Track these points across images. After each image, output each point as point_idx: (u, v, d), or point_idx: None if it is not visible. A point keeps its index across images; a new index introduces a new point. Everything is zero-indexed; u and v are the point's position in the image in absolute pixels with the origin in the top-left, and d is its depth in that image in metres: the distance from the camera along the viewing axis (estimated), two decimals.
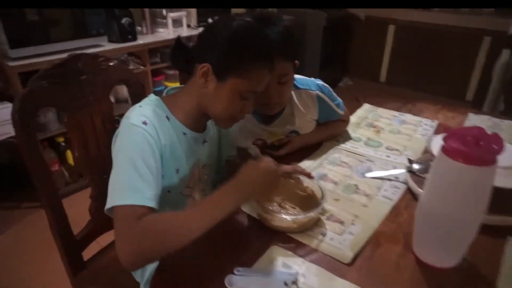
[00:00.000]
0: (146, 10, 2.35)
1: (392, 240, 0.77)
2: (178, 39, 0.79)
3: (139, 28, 2.37)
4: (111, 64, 1.02)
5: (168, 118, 0.80)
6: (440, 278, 0.68)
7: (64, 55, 0.94)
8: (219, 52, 0.74)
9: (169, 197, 0.85)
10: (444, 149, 0.64)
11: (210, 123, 0.92)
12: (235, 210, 0.73)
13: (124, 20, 2.11)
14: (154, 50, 2.34)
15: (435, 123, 1.32)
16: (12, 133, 1.79)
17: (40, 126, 1.96)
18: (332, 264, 0.71)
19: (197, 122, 0.85)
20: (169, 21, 2.43)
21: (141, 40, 2.25)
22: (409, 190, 0.93)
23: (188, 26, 2.61)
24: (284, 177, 0.88)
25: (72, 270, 1.04)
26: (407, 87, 3.65)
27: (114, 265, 1.04)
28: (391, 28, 3.72)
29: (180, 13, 2.49)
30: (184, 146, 0.83)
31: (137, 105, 0.79)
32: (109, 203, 0.69)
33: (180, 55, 0.79)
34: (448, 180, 0.65)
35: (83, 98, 0.97)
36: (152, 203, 0.69)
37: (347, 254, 0.72)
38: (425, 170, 0.94)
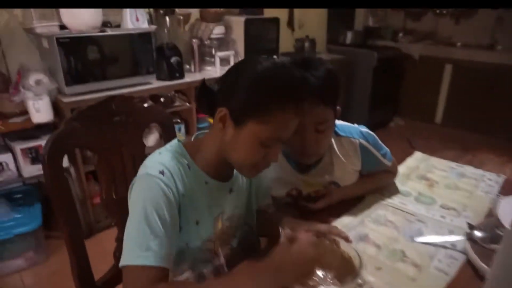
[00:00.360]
0: (196, 50, 2.43)
1: None
2: (203, 82, 0.75)
3: (187, 66, 2.44)
4: (145, 105, 1.02)
5: (189, 166, 0.75)
6: None
7: (115, 92, 0.96)
8: (238, 94, 0.68)
9: (188, 252, 0.79)
10: None
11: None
12: None
13: (173, 59, 2.19)
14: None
15: (501, 179, 1.14)
16: (65, 164, 1.87)
17: (87, 159, 2.03)
18: None
19: (220, 170, 0.78)
20: (217, 60, 2.49)
21: (188, 78, 2.30)
22: (470, 263, 0.78)
23: None
24: (318, 237, 0.78)
25: None
26: (465, 129, 3.38)
27: None
28: (448, 68, 3.53)
29: (228, 52, 2.54)
30: (206, 196, 0.77)
31: (157, 151, 0.75)
32: (121, 261, 0.64)
33: (204, 98, 0.75)
34: None
35: (114, 139, 0.95)
36: (164, 263, 0.63)
37: None
38: (490, 239, 0.79)
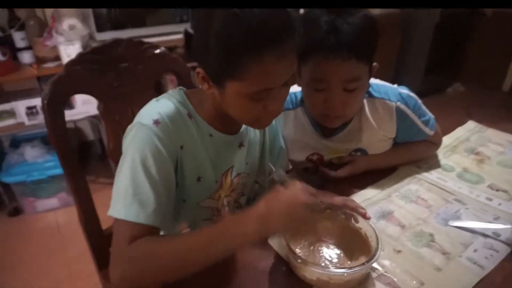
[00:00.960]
0: None
1: None
2: (185, 32, 0.64)
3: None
4: (157, 52, 0.93)
5: (190, 115, 0.67)
6: None
7: (147, 40, 0.88)
8: (206, 56, 0.57)
9: (187, 209, 0.73)
10: None
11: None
12: (245, 246, 0.57)
13: None
14: None
15: None
16: (91, 112, 1.89)
17: None
18: None
19: (226, 123, 0.69)
20: None
21: None
22: None
23: None
24: (333, 211, 0.68)
25: (99, 264, 1.00)
26: None
27: None
28: None
29: None
30: (211, 150, 0.69)
31: (154, 99, 0.67)
32: (110, 212, 0.60)
33: (188, 47, 0.64)
34: None
35: (121, 87, 0.89)
36: (150, 220, 0.57)
37: None
38: None
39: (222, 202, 0.77)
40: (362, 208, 0.67)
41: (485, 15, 3.23)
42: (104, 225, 0.97)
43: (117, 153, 0.91)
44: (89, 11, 1.73)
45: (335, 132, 0.88)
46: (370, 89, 0.85)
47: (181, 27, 2.01)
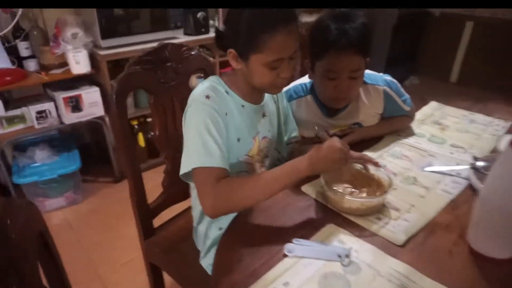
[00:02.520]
0: None
1: (447, 230, 0.79)
2: (216, 29, 0.88)
3: (211, 21, 2.52)
4: (192, 53, 1.15)
5: (227, 92, 0.90)
6: (492, 268, 0.69)
7: (146, 46, 1.08)
8: (234, 36, 0.83)
9: (230, 165, 0.94)
10: None
11: (267, 97, 1.00)
12: (300, 179, 0.80)
13: (199, 15, 2.27)
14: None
15: (508, 124, 1.27)
16: (98, 114, 2.04)
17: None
18: (384, 244, 0.75)
19: (253, 96, 0.93)
20: None
21: (212, 33, 2.38)
22: (471, 187, 0.93)
23: None
24: (352, 163, 0.93)
25: (144, 234, 1.19)
26: (479, 87, 3.41)
27: (178, 234, 1.18)
28: (469, 25, 3.51)
29: None
30: (245, 117, 0.92)
31: (200, 83, 0.90)
32: (187, 167, 0.81)
33: (220, 42, 0.88)
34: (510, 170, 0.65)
35: (166, 83, 1.10)
36: (224, 165, 0.80)
37: (400, 237, 0.76)
38: (490, 168, 0.93)
39: (255, 160, 0.99)
40: (374, 159, 0.93)
41: (434, 15, 3.68)
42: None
43: (162, 140, 1.12)
44: (94, 20, 1.88)
45: (338, 112, 1.15)
46: (364, 78, 1.12)
47: (177, 33, 2.22)
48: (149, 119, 2.35)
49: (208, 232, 1.01)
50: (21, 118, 1.87)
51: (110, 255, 1.74)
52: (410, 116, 1.22)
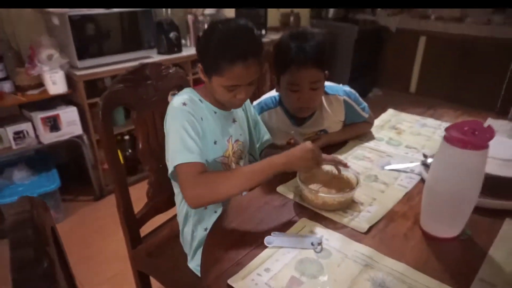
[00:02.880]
0: (191, 25, 2.61)
1: (403, 218, 0.92)
2: (198, 37, 1.00)
3: (183, 41, 2.62)
4: (170, 71, 1.24)
5: (201, 100, 1.02)
6: (440, 245, 0.82)
7: (121, 66, 1.16)
8: (202, 55, 0.96)
9: (208, 165, 1.01)
10: (446, 138, 0.79)
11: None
12: (275, 174, 0.91)
13: (172, 34, 2.38)
14: (195, 61, 2.59)
15: None
16: (76, 133, 2.07)
17: (96, 128, 2.23)
18: (351, 233, 0.86)
19: (221, 104, 1.04)
20: None
21: (185, 52, 2.50)
22: (422, 180, 1.06)
23: None
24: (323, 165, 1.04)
25: (132, 243, 1.25)
26: (437, 97, 3.69)
27: (165, 241, 1.26)
28: (422, 39, 3.81)
29: None
30: (217, 122, 1.03)
31: (176, 95, 1.01)
32: (173, 164, 0.90)
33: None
34: (448, 163, 0.79)
35: (147, 99, 1.18)
36: (203, 160, 0.91)
37: (364, 226, 0.87)
38: None
39: (230, 160, 1.09)
40: (343, 161, 1.05)
41: (391, 31, 3.97)
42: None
43: (146, 153, 1.20)
44: (70, 41, 1.94)
45: (304, 121, 1.27)
46: (326, 89, 1.25)
47: (150, 52, 2.30)
48: (126, 137, 2.40)
49: (194, 234, 1.09)
50: None
51: (96, 270, 1.77)
52: (369, 122, 1.36)
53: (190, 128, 0.93)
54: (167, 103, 1.24)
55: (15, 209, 0.50)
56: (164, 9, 2.48)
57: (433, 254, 0.81)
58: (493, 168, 0.94)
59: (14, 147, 1.91)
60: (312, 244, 0.82)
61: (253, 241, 0.84)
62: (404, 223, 0.90)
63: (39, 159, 2.19)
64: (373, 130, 1.40)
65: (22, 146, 1.94)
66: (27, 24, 2.13)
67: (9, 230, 0.47)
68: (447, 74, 3.68)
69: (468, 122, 0.79)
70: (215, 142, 1.03)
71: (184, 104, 0.96)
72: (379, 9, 4.17)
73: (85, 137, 2.11)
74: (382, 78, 4.17)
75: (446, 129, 0.80)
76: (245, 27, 0.94)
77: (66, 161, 2.47)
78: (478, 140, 0.75)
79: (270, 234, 0.85)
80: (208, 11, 2.67)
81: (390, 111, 1.60)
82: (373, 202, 0.97)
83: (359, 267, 0.76)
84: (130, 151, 2.43)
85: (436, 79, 3.76)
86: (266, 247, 0.82)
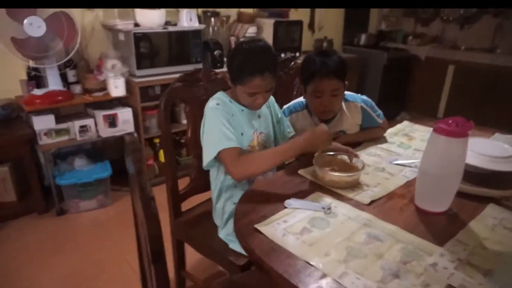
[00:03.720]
0: (233, 45, 2.94)
1: (401, 197, 1.11)
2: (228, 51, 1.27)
3: (225, 58, 2.95)
4: (218, 77, 1.53)
5: (230, 101, 1.27)
6: (429, 218, 1.01)
7: (170, 76, 1.44)
8: (229, 67, 1.23)
9: None
10: (434, 129, 0.99)
11: (265, 106, 1.36)
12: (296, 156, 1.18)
13: (216, 52, 2.71)
14: None
15: None
16: (129, 130, 2.40)
17: (145, 129, 2.56)
18: (355, 204, 1.06)
19: None
20: None
21: (225, 68, 2.81)
22: None
23: None
24: (339, 155, 1.27)
25: (175, 214, 1.50)
26: None
27: (200, 215, 1.50)
28: (451, 68, 3.95)
29: None
30: (245, 118, 1.28)
31: (212, 98, 1.28)
32: (214, 152, 1.17)
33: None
34: (436, 149, 0.99)
35: (199, 97, 1.46)
36: (237, 144, 1.17)
37: (367, 199, 1.08)
38: None
39: (256, 150, 1.33)
40: (354, 152, 1.27)
41: (419, 59, 4.15)
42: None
43: (192, 141, 1.47)
44: (132, 54, 2.30)
45: (327, 122, 1.50)
46: (346, 96, 1.48)
47: (196, 67, 2.63)
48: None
49: (225, 208, 1.33)
50: (66, 131, 2.24)
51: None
52: (383, 128, 1.57)
53: (226, 121, 1.19)
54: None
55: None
56: (211, 30, 2.83)
57: (422, 222, 1.00)
58: (483, 163, 1.13)
59: (78, 138, 2.26)
60: (322, 208, 1.03)
61: (276, 203, 1.07)
62: (401, 201, 1.10)
63: (95, 152, 2.54)
64: (387, 135, 1.60)
65: (85, 138, 2.28)
66: (96, 39, 2.53)
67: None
68: (474, 101, 3.78)
69: (453, 118, 0.99)
70: (242, 134, 1.28)
71: (218, 104, 1.23)
72: (410, 38, 4.38)
73: (135, 134, 2.43)
74: (410, 103, 4.32)
75: (436, 123, 1.00)
76: (264, 47, 1.21)
77: (116, 158, 2.80)
78: (459, 130, 0.95)
79: (290, 199, 1.07)
80: (249, 32, 3.00)
81: (405, 123, 1.80)
82: (377, 185, 1.17)
83: (359, 225, 0.97)
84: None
85: (464, 105, 3.86)
86: (285, 207, 1.04)
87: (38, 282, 1.78)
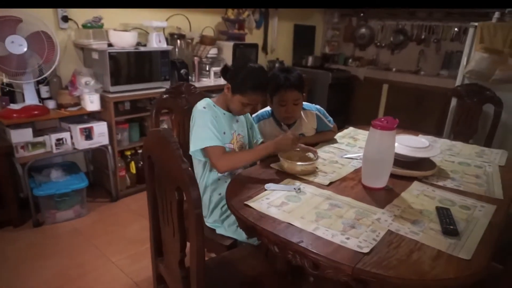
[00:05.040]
0: (196, 65, 3.22)
1: (352, 180, 1.45)
2: (226, 65, 1.55)
3: (190, 77, 3.21)
4: (197, 91, 1.79)
5: (214, 105, 1.55)
6: (373, 192, 1.35)
7: (142, 92, 1.73)
8: (232, 80, 1.50)
9: None
10: (372, 125, 1.35)
11: None
12: (267, 156, 1.48)
13: (182, 71, 2.96)
14: None
15: None
16: (104, 143, 2.56)
17: (119, 141, 2.72)
18: (317, 185, 1.38)
19: (229, 109, 1.57)
20: (211, 73, 3.29)
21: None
22: None
23: None
24: (301, 150, 1.59)
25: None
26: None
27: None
28: (385, 87, 4.55)
29: (219, 68, 3.34)
30: (226, 120, 1.56)
31: (199, 102, 1.54)
32: (201, 145, 1.43)
33: (224, 74, 1.54)
34: (373, 140, 1.34)
35: (181, 107, 1.72)
36: (221, 143, 1.44)
37: (326, 182, 1.40)
38: None
39: (235, 147, 1.60)
40: (314, 149, 1.59)
41: (359, 79, 4.72)
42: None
43: (181, 140, 1.70)
44: (106, 71, 2.48)
45: (289, 126, 1.82)
46: (304, 106, 1.82)
47: (165, 84, 2.86)
48: (139, 151, 2.88)
49: (212, 199, 1.58)
50: (42, 144, 2.33)
51: (119, 246, 2.18)
52: (333, 131, 1.94)
53: (211, 123, 1.45)
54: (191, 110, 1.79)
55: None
56: (176, 50, 3.09)
57: (368, 195, 1.33)
58: (409, 152, 1.51)
59: (54, 151, 2.36)
60: (294, 188, 1.33)
61: (257, 187, 1.35)
62: (352, 182, 1.43)
63: (68, 165, 2.64)
64: (337, 137, 1.97)
65: (61, 151, 2.39)
66: (68, 57, 2.67)
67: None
68: (405, 115, 4.37)
69: (385, 118, 1.36)
70: (224, 133, 1.55)
71: (204, 108, 1.49)
72: (350, 60, 4.97)
73: (109, 147, 2.58)
74: (353, 116, 4.86)
75: (372, 121, 1.36)
76: (264, 70, 1.52)
77: (95, 166, 2.91)
78: (388, 125, 1.31)
79: (268, 183, 1.36)
80: (211, 53, 3.30)
81: (351, 128, 2.19)
82: (333, 173, 1.51)
83: (323, 198, 1.28)
84: (141, 163, 2.89)
85: (396, 116, 4.35)
86: (265, 190, 1.33)
87: (27, 285, 1.85)
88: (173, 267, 1.11)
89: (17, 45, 2.09)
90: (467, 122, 2.63)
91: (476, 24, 2.71)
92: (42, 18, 2.27)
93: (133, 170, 2.86)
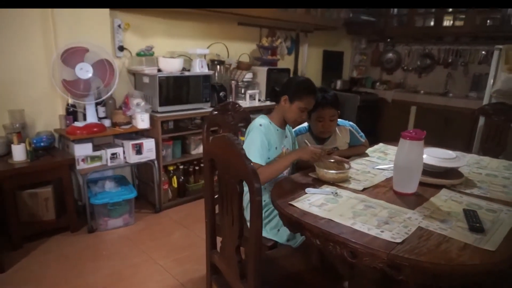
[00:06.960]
0: (233, 88, 3.48)
1: (384, 187, 1.59)
2: (273, 88, 1.78)
3: (227, 99, 3.47)
4: (240, 110, 2.02)
5: (270, 122, 1.75)
6: (403, 197, 1.49)
7: (185, 112, 2.04)
8: (290, 91, 1.71)
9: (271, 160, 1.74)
10: (401, 136, 1.50)
11: (287, 130, 1.86)
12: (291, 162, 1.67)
13: (221, 93, 3.23)
14: None
15: None
16: (151, 157, 2.81)
17: (164, 157, 2.97)
18: (353, 190, 1.54)
19: (281, 126, 1.79)
20: (247, 96, 3.54)
21: None
22: None
23: (259, 100, 3.69)
24: (336, 162, 1.75)
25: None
26: None
27: None
28: (413, 109, 4.65)
29: (254, 91, 3.60)
30: (278, 136, 1.76)
31: (256, 118, 1.75)
32: (249, 157, 1.61)
33: (274, 96, 1.78)
34: (403, 149, 1.49)
35: (228, 122, 1.94)
36: (264, 162, 1.63)
37: (360, 188, 1.55)
38: None
39: None
40: (347, 161, 1.76)
41: (387, 101, 4.85)
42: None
43: None
44: (156, 93, 2.77)
45: (324, 141, 2.00)
46: (338, 122, 2.00)
47: (206, 105, 3.13)
48: (181, 166, 3.12)
49: None
50: (99, 157, 2.61)
51: (164, 252, 2.38)
52: (365, 145, 2.09)
53: (262, 142, 1.66)
54: (238, 126, 2.01)
55: None
56: (216, 75, 3.38)
57: (399, 199, 1.47)
58: (436, 162, 1.64)
59: (109, 164, 2.64)
60: (332, 192, 1.49)
61: (298, 191, 1.52)
62: (384, 189, 1.58)
63: (119, 178, 2.91)
64: (368, 152, 2.12)
65: (114, 164, 2.66)
66: (121, 81, 3.00)
67: None
68: (433, 136, 4.43)
69: (413, 130, 1.51)
70: (276, 148, 1.75)
71: (261, 125, 1.70)
72: (378, 84, 5.13)
73: (156, 162, 2.84)
74: (382, 137, 4.94)
75: (402, 132, 1.52)
76: (309, 78, 1.77)
77: (143, 179, 3.17)
78: (416, 136, 1.47)
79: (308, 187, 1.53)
80: (246, 78, 3.56)
81: (381, 144, 2.34)
82: (366, 180, 1.66)
83: (358, 201, 1.43)
84: (182, 177, 3.13)
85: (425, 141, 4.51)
86: (306, 193, 1.50)
87: (86, 282, 2.07)
88: (230, 254, 1.28)
89: (85, 71, 2.41)
90: (495, 139, 2.71)
91: (501, 46, 2.83)
92: (104, 48, 2.60)
93: (175, 184, 3.09)
